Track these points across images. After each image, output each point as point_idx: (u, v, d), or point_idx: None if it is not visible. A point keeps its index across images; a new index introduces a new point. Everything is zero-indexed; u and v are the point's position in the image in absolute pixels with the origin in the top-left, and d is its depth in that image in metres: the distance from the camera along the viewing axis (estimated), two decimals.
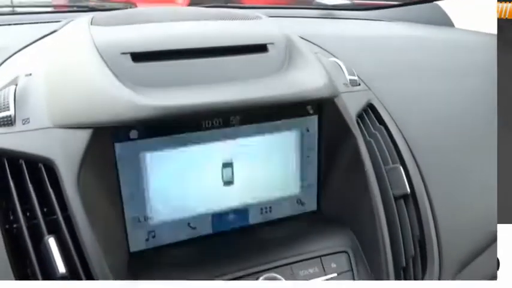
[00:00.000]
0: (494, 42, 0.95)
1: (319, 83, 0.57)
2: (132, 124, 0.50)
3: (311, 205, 0.65)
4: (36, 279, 0.45)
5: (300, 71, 0.59)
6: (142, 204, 0.55)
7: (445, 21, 1.19)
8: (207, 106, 0.51)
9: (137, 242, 0.56)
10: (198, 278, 0.52)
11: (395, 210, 0.59)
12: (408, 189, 0.61)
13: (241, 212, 0.61)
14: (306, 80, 0.57)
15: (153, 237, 0.57)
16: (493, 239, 0.68)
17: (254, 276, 0.53)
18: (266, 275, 0.52)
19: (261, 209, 0.62)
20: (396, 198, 0.61)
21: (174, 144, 0.54)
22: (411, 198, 0.62)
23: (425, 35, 1.04)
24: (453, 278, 0.60)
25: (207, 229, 0.59)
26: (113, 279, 0.47)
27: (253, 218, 0.62)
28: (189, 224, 0.58)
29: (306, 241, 0.59)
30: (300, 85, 0.56)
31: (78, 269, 0.46)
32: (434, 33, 1.06)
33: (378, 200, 0.58)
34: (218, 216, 0.59)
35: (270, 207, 0.62)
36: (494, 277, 0.68)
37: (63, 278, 0.44)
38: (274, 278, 0.52)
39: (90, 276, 0.46)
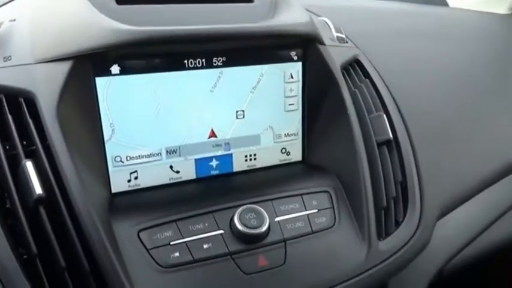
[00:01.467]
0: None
1: (302, 20, 0.58)
2: (107, 49, 0.50)
3: (296, 155, 0.65)
4: (14, 204, 0.45)
5: (285, 16, 0.60)
6: (124, 143, 0.55)
7: (439, 2, 1.21)
8: (186, 32, 0.51)
9: (119, 183, 0.56)
10: (177, 213, 0.52)
11: (378, 154, 0.60)
12: (391, 135, 0.62)
13: (226, 158, 0.61)
14: (289, 18, 0.58)
15: (135, 178, 0.57)
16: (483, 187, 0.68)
17: (233, 210, 0.52)
18: (245, 206, 0.52)
19: (245, 156, 0.62)
20: (379, 144, 0.61)
21: (156, 82, 0.54)
22: (394, 144, 0.62)
23: (417, 9, 1.05)
24: (436, 221, 0.60)
25: (190, 174, 0.59)
26: (94, 212, 0.47)
27: (238, 165, 0.62)
28: (171, 167, 0.58)
29: (288, 183, 0.59)
30: (282, 21, 0.57)
31: (56, 191, 0.45)
32: (427, 9, 1.07)
33: (360, 144, 0.59)
34: (202, 161, 0.59)
35: (255, 155, 0.62)
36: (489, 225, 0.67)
37: (39, 200, 0.44)
38: (254, 210, 0.52)
39: (68, 200, 0.46)
